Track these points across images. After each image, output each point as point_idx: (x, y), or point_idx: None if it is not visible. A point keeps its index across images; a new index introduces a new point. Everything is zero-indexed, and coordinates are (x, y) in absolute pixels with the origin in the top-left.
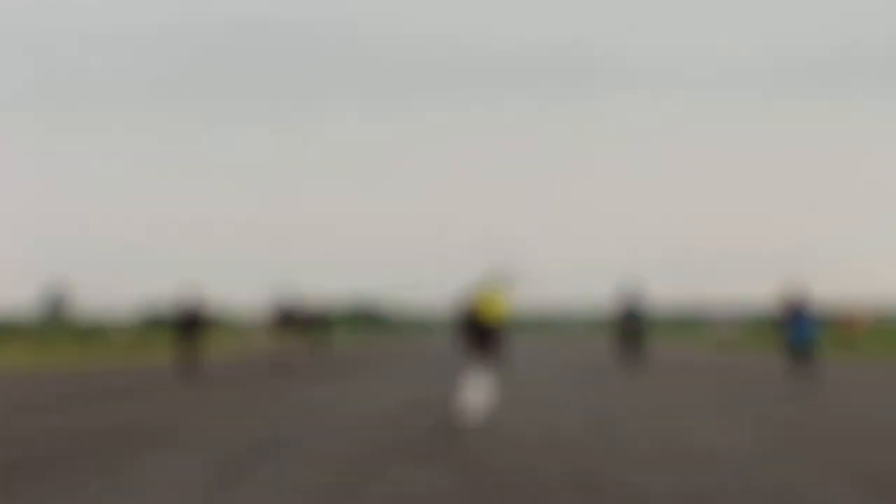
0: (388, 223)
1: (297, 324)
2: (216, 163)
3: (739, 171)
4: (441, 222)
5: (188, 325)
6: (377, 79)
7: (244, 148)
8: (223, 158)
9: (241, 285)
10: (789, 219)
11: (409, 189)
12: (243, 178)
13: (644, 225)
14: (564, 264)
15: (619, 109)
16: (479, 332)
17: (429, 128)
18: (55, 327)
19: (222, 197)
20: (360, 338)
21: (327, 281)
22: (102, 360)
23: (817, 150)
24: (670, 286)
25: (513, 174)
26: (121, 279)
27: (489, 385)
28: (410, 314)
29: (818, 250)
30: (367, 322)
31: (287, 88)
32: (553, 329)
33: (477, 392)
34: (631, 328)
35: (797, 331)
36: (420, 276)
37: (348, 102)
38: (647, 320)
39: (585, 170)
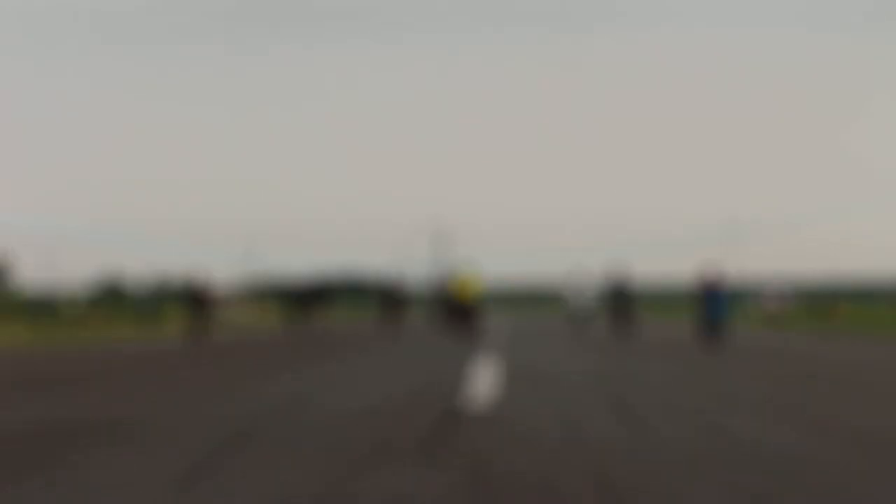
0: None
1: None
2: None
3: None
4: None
5: (198, 302)
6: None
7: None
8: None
9: (201, 256)
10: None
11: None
12: (200, 142)
13: (696, 188)
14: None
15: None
16: (459, 310)
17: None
18: None
19: (177, 161)
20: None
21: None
22: (55, 337)
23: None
24: (734, 258)
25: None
26: (67, 249)
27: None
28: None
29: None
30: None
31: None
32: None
33: (481, 374)
34: (620, 305)
35: (711, 307)
36: (371, 253)
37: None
38: (634, 297)
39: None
